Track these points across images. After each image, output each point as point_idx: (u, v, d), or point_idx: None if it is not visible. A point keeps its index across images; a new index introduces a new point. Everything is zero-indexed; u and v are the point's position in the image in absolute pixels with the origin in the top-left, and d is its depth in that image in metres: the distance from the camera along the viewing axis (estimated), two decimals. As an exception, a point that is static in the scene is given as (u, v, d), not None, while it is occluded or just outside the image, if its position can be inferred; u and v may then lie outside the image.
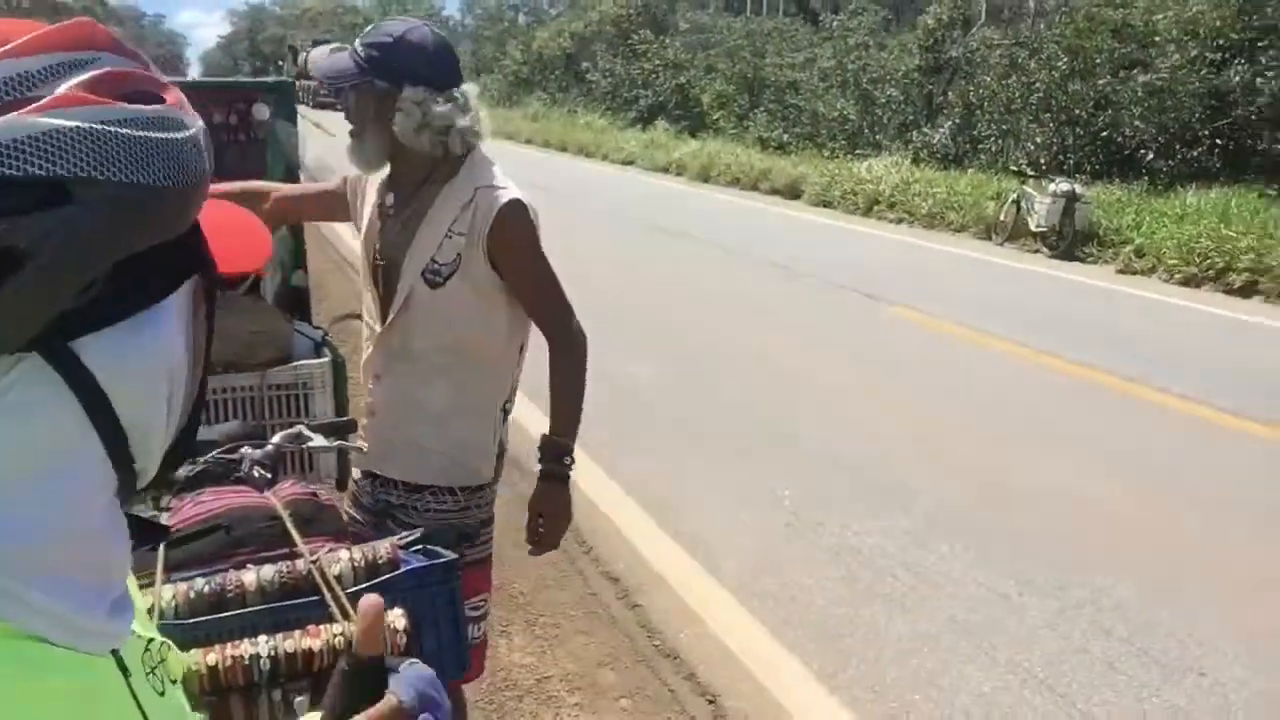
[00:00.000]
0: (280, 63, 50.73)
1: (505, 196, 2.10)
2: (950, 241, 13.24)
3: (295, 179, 3.39)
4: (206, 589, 1.66)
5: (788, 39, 31.51)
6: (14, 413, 0.58)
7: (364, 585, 1.71)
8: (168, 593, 1.64)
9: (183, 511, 1.87)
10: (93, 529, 0.64)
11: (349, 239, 8.68)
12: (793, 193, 17.65)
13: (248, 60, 76.14)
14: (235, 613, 1.64)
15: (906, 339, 8.03)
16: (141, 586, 1.69)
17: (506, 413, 2.29)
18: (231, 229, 0.75)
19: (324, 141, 6.28)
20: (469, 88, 2.12)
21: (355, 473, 2.39)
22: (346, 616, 1.64)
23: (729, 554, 4.17)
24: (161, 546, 1.73)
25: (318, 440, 2.24)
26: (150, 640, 0.72)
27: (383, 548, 1.81)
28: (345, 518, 2.14)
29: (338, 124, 2.48)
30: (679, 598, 3.83)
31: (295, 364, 2.79)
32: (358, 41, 2.12)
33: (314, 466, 2.71)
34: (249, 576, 1.69)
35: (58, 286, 0.56)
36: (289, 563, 1.73)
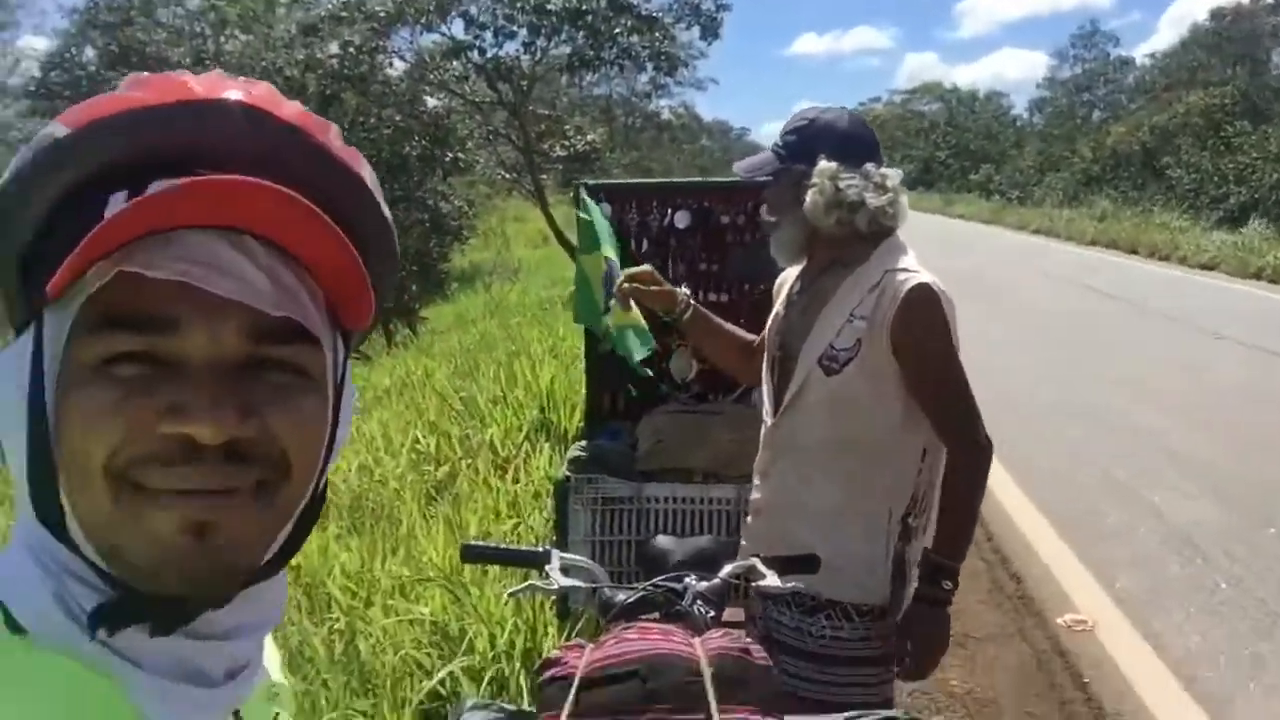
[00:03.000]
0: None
1: (915, 280, 1.96)
2: None
3: None
4: (602, 747, 1.47)
5: None
6: None
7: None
8: (565, 742, 1.48)
9: (604, 648, 1.71)
10: None
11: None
12: None
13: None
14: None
15: None
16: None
17: (909, 527, 2.03)
18: None
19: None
20: (891, 170, 2.03)
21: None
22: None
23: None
24: (573, 688, 1.59)
25: (770, 579, 2.00)
26: None
27: (804, 736, 1.50)
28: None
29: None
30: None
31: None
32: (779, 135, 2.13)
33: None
34: (649, 744, 1.48)
35: None
36: (697, 735, 1.49)
